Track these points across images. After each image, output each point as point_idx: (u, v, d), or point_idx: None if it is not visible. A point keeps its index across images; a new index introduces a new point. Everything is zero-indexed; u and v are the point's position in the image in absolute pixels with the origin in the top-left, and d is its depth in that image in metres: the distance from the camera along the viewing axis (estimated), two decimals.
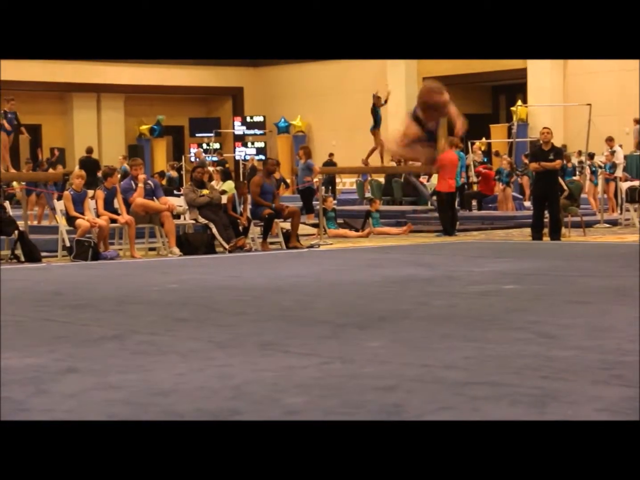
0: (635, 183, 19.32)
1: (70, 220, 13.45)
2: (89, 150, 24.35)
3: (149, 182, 14.68)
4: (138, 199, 14.03)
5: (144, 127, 37.25)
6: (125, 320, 7.17)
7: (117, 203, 13.93)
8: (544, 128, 15.88)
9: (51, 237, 14.31)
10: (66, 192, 13.91)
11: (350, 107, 35.23)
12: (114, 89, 36.12)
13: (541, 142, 15.56)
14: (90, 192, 14.32)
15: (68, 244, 13.27)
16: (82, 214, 13.45)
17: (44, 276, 11.00)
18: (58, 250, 13.57)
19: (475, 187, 23.44)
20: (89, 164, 22.33)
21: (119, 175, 15.66)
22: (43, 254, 13.35)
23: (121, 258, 13.39)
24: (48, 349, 5.97)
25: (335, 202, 20.01)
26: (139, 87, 36.32)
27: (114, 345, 6.10)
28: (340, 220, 18.32)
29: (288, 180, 27.51)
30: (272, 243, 15.05)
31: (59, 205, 14.06)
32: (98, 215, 13.61)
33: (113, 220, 13.66)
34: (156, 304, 8.03)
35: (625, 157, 23.89)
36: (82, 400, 4.64)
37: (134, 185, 14.19)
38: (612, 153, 22.43)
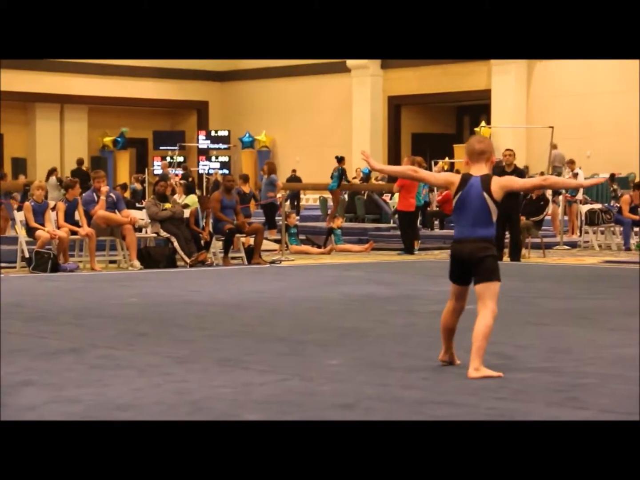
0: (595, 206, 19.50)
1: (30, 231, 13.34)
2: (80, 162, 24.34)
3: (111, 194, 14.59)
4: (100, 211, 13.95)
5: (108, 139, 37.07)
6: (84, 334, 7.12)
7: (78, 215, 13.84)
8: (507, 150, 15.96)
9: (10, 248, 14.17)
10: (27, 203, 13.79)
11: (315, 123, 35.29)
12: (77, 100, 35.91)
13: (504, 163, 15.65)
14: (52, 204, 14.17)
15: (27, 255, 13.16)
16: (43, 225, 13.36)
17: (2, 287, 10.90)
18: (17, 261, 13.45)
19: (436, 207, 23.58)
20: (80, 176, 22.28)
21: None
22: (1, 264, 13.22)
23: (81, 270, 13.30)
24: (4, 361, 5.92)
25: (297, 218, 20.00)
26: (103, 99, 36.14)
27: (72, 359, 6.05)
28: (302, 237, 18.30)
29: None
30: (233, 258, 15.02)
31: (19, 216, 13.94)
32: (58, 227, 13.52)
33: (73, 232, 13.57)
34: (115, 318, 7.99)
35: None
36: (37, 414, 4.60)
37: (95, 197, 14.11)
38: (575, 175, 22.61)
